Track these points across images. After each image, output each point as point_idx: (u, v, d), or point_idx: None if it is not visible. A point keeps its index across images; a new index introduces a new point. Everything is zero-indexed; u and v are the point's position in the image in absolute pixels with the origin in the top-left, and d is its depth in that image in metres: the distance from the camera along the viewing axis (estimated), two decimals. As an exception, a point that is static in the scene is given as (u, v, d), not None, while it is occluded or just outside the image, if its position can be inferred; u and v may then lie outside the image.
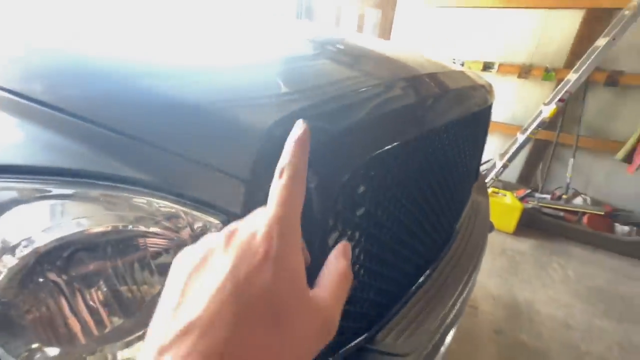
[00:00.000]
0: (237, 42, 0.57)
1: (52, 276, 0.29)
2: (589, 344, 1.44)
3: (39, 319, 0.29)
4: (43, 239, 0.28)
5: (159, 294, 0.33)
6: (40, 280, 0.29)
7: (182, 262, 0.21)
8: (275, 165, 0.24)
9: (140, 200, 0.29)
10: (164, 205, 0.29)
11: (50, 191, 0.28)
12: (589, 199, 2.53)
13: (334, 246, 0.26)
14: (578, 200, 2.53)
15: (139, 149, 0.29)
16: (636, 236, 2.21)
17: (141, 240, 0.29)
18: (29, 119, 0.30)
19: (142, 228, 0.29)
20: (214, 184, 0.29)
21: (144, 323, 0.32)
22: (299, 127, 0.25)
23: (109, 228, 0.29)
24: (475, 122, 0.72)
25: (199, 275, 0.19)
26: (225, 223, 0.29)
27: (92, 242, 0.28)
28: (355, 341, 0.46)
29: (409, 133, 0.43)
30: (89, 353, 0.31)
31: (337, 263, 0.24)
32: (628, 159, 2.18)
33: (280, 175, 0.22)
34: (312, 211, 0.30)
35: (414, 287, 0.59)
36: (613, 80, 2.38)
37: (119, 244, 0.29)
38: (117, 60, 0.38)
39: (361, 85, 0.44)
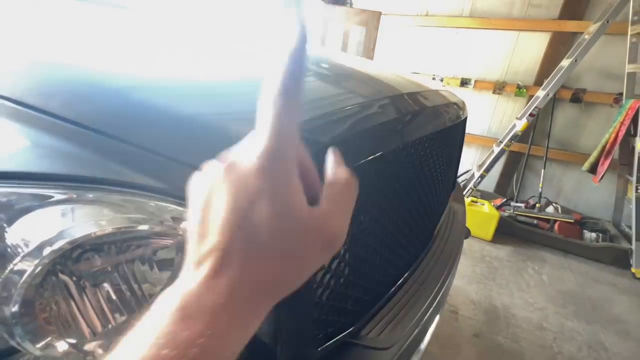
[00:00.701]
0: (236, 62, 0.61)
1: (66, 275, 0.32)
2: (561, 344, 1.53)
3: (53, 316, 0.32)
4: (62, 241, 0.31)
5: (164, 289, 0.36)
6: (55, 279, 0.32)
7: (198, 188, 0.21)
8: None
9: (151, 203, 0.32)
10: (172, 208, 0.33)
11: (72, 196, 0.31)
12: (559, 208, 2.69)
13: None
14: (550, 209, 2.69)
15: (150, 159, 0.33)
16: (602, 242, 2.36)
17: (153, 241, 0.32)
18: (51, 133, 0.34)
19: (151, 229, 0.32)
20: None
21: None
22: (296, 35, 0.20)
23: (119, 229, 0.32)
24: (450, 135, 0.79)
25: (212, 203, 0.20)
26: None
27: (105, 242, 0.31)
28: (340, 336, 0.50)
29: (389, 145, 0.49)
30: (100, 347, 0.34)
31: (334, 173, 0.24)
32: (593, 170, 2.35)
33: (271, 100, 0.20)
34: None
35: (395, 286, 0.64)
36: (577, 97, 2.58)
37: (127, 244, 0.33)
38: (131, 76, 0.42)
39: (347, 102, 0.49)
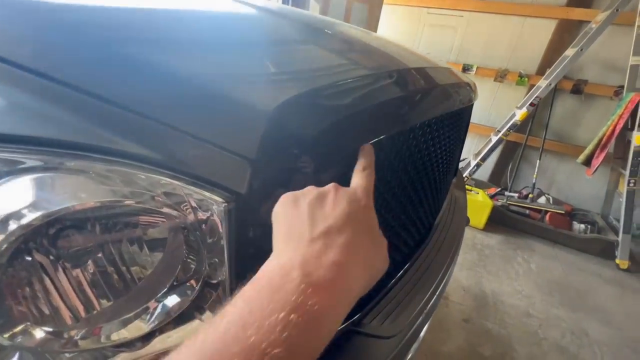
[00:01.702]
0: (240, 23, 0.55)
1: (41, 254, 0.28)
2: (546, 330, 1.57)
3: (27, 299, 0.28)
4: (32, 215, 0.27)
5: (154, 272, 0.32)
6: (28, 258, 0.28)
7: (293, 201, 0.28)
8: (280, 145, 0.27)
9: (140, 175, 0.28)
10: (165, 181, 0.28)
11: (39, 163, 0.27)
12: (551, 199, 2.72)
13: None
14: (542, 200, 2.72)
15: (139, 123, 0.29)
16: (590, 234, 2.41)
17: (142, 218, 0.28)
18: (14, 86, 0.28)
19: (142, 205, 0.28)
20: (218, 162, 0.29)
21: (139, 302, 0.32)
22: (368, 145, 0.36)
23: (102, 203, 0.28)
24: (459, 119, 0.76)
25: (321, 205, 0.27)
26: (229, 202, 0.29)
27: (84, 217, 0.27)
28: (343, 325, 0.48)
29: (399, 125, 0.45)
30: (80, 334, 0.30)
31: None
32: (587, 162, 2.36)
33: (362, 169, 0.33)
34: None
35: (398, 275, 0.61)
36: (578, 88, 2.56)
37: (114, 221, 0.29)
38: (117, 25, 0.37)
39: (357, 75, 0.45)
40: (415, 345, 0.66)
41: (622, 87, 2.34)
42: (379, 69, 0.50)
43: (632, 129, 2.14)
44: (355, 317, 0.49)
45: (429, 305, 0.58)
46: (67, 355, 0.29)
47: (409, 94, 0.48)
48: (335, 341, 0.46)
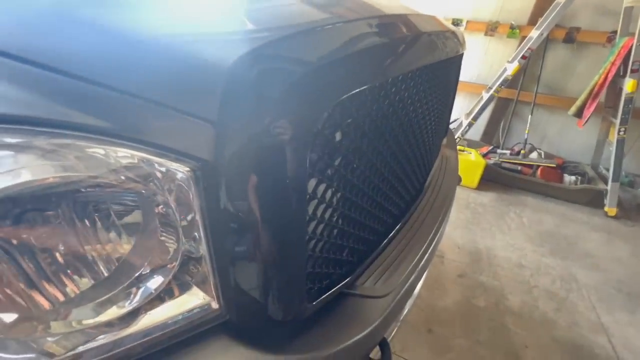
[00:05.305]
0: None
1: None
2: (537, 279, 1.64)
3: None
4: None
5: (131, 251, 0.31)
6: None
7: None
8: (245, 103, 0.22)
9: (97, 149, 0.26)
10: (123, 153, 0.26)
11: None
12: (543, 153, 2.73)
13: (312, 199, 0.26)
14: (534, 155, 2.73)
15: (91, 92, 0.26)
16: (580, 184, 2.45)
17: (99, 194, 0.26)
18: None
19: (100, 179, 0.26)
20: (179, 127, 0.26)
21: (110, 286, 0.30)
22: None
23: (56, 180, 0.26)
24: (447, 70, 0.72)
25: None
26: (195, 170, 0.27)
27: (38, 196, 0.25)
28: (335, 288, 0.48)
29: (380, 74, 0.42)
30: (51, 319, 0.29)
31: None
32: (579, 114, 2.34)
33: None
34: (288, 163, 0.29)
35: (389, 236, 0.61)
36: (571, 36, 2.48)
37: (71, 198, 0.27)
38: None
39: (329, 22, 0.41)
40: (410, 302, 0.68)
41: (615, 32, 2.26)
42: (354, 15, 0.46)
43: (624, 75, 2.11)
44: (348, 279, 0.49)
45: (422, 263, 0.59)
46: (48, 339, 0.29)
47: (389, 43, 0.44)
48: (329, 304, 0.46)
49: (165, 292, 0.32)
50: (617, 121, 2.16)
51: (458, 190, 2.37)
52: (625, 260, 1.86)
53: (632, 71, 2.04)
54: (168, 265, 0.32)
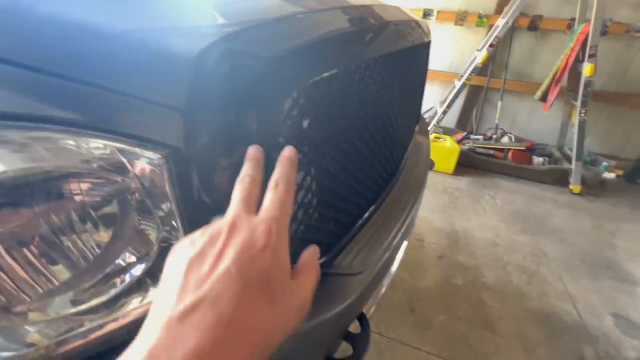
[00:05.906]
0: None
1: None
2: (510, 255, 1.74)
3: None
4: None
5: (108, 242, 0.32)
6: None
7: (181, 252, 0.23)
8: (211, 92, 0.24)
9: (67, 140, 0.26)
10: (95, 144, 0.27)
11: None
12: (513, 137, 2.87)
13: None
14: (505, 139, 2.86)
15: (57, 85, 0.26)
16: (548, 165, 2.60)
17: (73, 185, 0.27)
18: None
19: (72, 170, 0.27)
20: (148, 117, 0.27)
21: (86, 277, 0.31)
22: (288, 149, 0.30)
23: (25, 172, 0.26)
24: (413, 58, 0.75)
25: (201, 262, 0.22)
26: (167, 157, 0.28)
27: (11, 188, 0.26)
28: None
29: (344, 61, 0.44)
30: (30, 310, 0.30)
31: (310, 260, 0.29)
32: (544, 98, 2.47)
33: (275, 187, 0.27)
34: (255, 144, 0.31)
35: (364, 217, 0.64)
36: (534, 24, 2.59)
37: (45, 191, 0.27)
38: None
39: (293, 11, 0.42)
40: (386, 280, 0.71)
41: (574, 19, 2.39)
42: (320, 6, 0.48)
43: (583, 60, 2.24)
44: (324, 259, 0.52)
45: (395, 241, 0.63)
46: (29, 329, 0.29)
47: (353, 31, 0.47)
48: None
49: (146, 276, 0.33)
50: (578, 104, 2.30)
51: (435, 176, 2.46)
52: (588, 233, 2.00)
53: (590, 56, 2.18)
54: (148, 253, 0.33)
